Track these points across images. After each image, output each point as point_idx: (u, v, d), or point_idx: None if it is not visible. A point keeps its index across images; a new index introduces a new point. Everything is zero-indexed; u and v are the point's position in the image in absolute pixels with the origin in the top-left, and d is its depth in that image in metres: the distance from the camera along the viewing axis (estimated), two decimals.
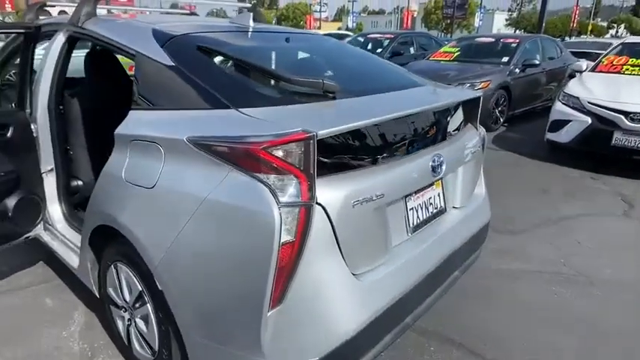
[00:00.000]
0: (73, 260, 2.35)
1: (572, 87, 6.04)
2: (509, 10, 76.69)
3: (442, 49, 9.12)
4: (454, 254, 2.13)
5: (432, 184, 2.02)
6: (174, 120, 1.64)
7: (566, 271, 3.21)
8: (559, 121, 5.87)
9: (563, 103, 5.92)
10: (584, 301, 2.85)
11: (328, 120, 1.51)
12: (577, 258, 3.40)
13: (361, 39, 11.53)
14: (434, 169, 1.90)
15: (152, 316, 1.82)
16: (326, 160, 1.51)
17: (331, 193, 1.46)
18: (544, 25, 16.15)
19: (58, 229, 2.54)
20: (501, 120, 7.65)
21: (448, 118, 2.21)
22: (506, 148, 6.58)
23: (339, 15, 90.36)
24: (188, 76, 1.66)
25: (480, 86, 7.11)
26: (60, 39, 2.35)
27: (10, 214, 2.31)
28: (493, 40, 8.86)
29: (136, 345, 2.02)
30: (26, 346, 2.29)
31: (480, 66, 7.77)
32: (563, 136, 5.80)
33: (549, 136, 6.03)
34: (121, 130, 1.81)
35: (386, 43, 10.40)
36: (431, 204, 2.04)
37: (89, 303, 2.61)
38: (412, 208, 1.91)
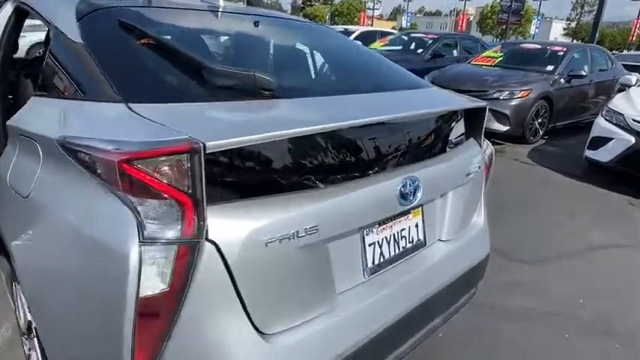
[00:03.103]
0: None
1: (617, 102, 5.27)
2: (568, 19, 72.29)
3: (485, 54, 8.36)
4: (434, 298, 1.65)
5: (406, 213, 1.55)
6: (56, 112, 1.25)
7: (584, 315, 2.64)
8: (600, 138, 5.14)
9: (606, 119, 5.18)
10: (597, 355, 2.29)
11: (238, 126, 1.09)
12: (600, 299, 2.81)
13: (405, 37, 10.86)
14: (404, 195, 1.43)
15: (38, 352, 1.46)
16: (226, 180, 1.08)
17: (231, 226, 1.04)
18: (600, 36, 14.84)
19: None
20: (540, 132, 6.89)
21: (437, 131, 1.72)
22: (541, 162, 5.87)
23: (395, 14, 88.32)
24: (90, 58, 1.26)
25: (519, 95, 6.40)
26: (8, 9, 2.01)
27: None
28: (539, 46, 8.03)
29: None
30: None
31: (523, 73, 7.01)
32: (604, 154, 5.07)
33: (588, 153, 5.30)
34: (12, 120, 1.44)
35: (429, 43, 9.69)
36: (403, 237, 1.57)
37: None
38: (373, 244, 1.45)
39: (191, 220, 0.97)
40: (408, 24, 48.46)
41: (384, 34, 12.17)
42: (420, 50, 9.59)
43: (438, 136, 1.73)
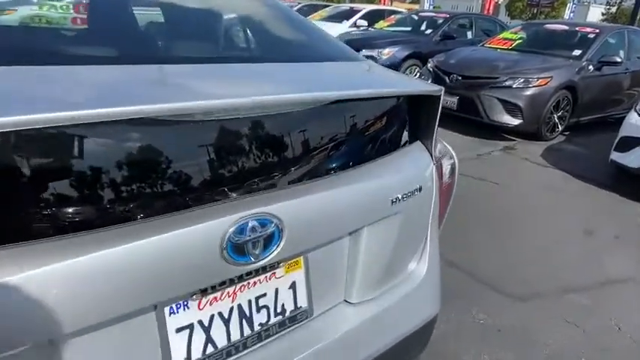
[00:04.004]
0: None
1: None
2: (608, 2, 69.77)
3: (501, 35, 7.65)
4: None
5: (268, 270, 0.98)
6: None
7: None
8: (631, 138, 4.46)
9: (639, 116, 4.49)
10: None
11: None
12: (610, 357, 2.22)
13: (415, 17, 10.15)
14: (237, 248, 0.86)
15: None
16: None
17: None
18: None
19: None
20: (560, 128, 6.19)
21: (343, 130, 1.13)
22: (557, 165, 5.20)
23: None
24: None
25: (536, 83, 5.73)
26: None
27: None
28: (567, 27, 7.28)
29: None
30: None
31: (543, 58, 6.32)
32: (634, 159, 4.39)
33: (615, 156, 4.62)
34: None
35: (439, 23, 8.98)
36: (263, 308, 1.00)
37: None
38: (187, 327, 0.88)
39: None
40: (431, 6, 47.08)
41: (392, 13, 11.45)
42: (429, 31, 8.90)
43: (344, 139, 1.14)
